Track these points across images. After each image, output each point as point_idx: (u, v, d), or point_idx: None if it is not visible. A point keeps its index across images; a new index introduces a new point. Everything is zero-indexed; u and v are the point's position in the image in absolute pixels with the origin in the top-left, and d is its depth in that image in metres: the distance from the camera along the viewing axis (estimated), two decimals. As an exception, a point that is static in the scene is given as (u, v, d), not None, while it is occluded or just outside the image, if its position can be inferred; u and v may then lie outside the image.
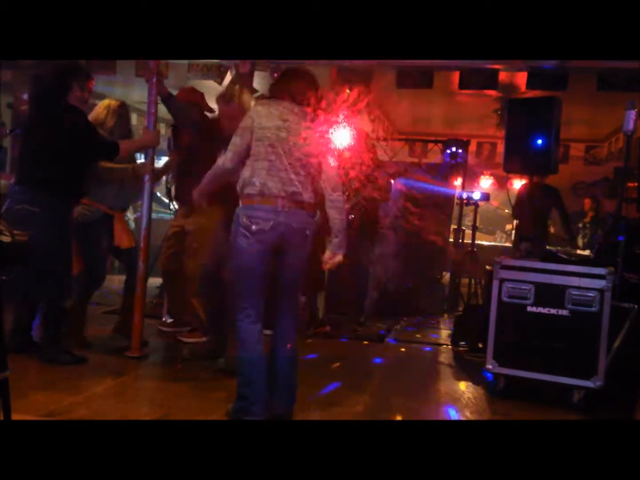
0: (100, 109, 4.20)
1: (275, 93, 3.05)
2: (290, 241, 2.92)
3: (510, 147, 4.52)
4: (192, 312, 4.62)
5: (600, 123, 9.27)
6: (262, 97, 3.52)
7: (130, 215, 4.64)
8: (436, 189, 7.40)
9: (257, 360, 2.90)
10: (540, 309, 3.70)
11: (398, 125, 10.96)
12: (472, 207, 7.37)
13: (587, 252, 7.01)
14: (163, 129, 6.76)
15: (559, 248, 6.02)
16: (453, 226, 7.82)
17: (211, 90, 5.24)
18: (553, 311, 3.67)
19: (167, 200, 5.38)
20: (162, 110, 4.22)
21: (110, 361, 4.02)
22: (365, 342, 5.24)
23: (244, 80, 6.23)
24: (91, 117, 4.04)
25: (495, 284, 3.82)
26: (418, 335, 5.72)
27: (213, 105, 4.29)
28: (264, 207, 2.86)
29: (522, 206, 6.09)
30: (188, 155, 4.62)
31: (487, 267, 4.81)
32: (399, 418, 3.27)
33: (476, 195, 7.27)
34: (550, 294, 3.68)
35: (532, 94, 5.89)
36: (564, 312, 3.64)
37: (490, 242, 10.91)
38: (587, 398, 3.58)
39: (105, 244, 4.20)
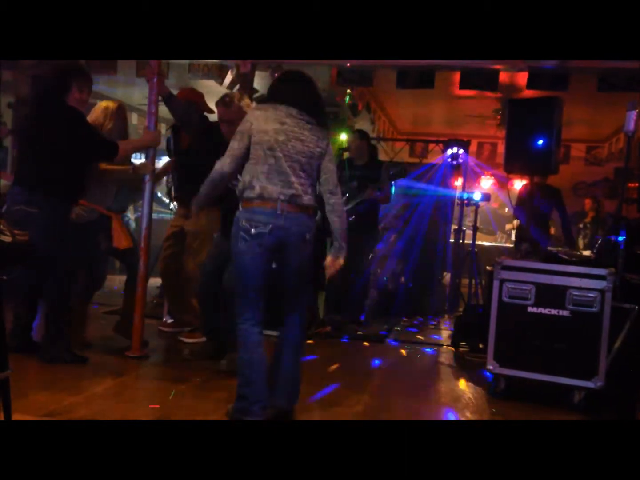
0: (98, 111, 4.20)
1: (272, 97, 3.05)
2: (290, 245, 2.93)
3: (511, 147, 4.52)
4: (193, 312, 4.63)
5: (600, 123, 9.28)
6: (260, 98, 3.53)
7: (130, 215, 4.64)
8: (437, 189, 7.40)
9: (258, 361, 2.91)
10: (541, 310, 3.70)
11: (399, 125, 10.97)
12: (472, 208, 7.36)
13: (587, 253, 7.02)
14: (164, 129, 6.76)
15: (559, 249, 6.02)
16: (454, 226, 7.82)
17: (211, 90, 5.24)
18: (554, 312, 3.66)
19: (167, 200, 5.39)
20: (163, 110, 4.22)
21: (111, 361, 4.02)
22: (366, 343, 5.24)
23: (244, 80, 6.26)
24: (89, 119, 4.04)
25: (496, 284, 3.81)
26: (418, 336, 5.72)
27: (212, 106, 4.29)
28: (263, 211, 2.86)
29: (523, 206, 6.09)
30: (189, 156, 4.63)
31: (488, 267, 4.81)
32: (399, 418, 3.27)
33: (476, 195, 7.27)
34: (551, 295, 3.67)
35: (532, 94, 5.89)
36: (565, 313, 3.64)
37: (491, 242, 10.91)
38: (588, 399, 3.58)
39: (104, 244, 4.20)
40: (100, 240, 4.18)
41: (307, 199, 2.94)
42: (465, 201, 7.35)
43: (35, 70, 5.62)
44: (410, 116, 10.50)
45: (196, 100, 4.54)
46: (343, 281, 5.57)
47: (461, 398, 3.78)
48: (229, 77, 6.58)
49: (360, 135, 5.97)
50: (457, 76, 6.23)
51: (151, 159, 4.14)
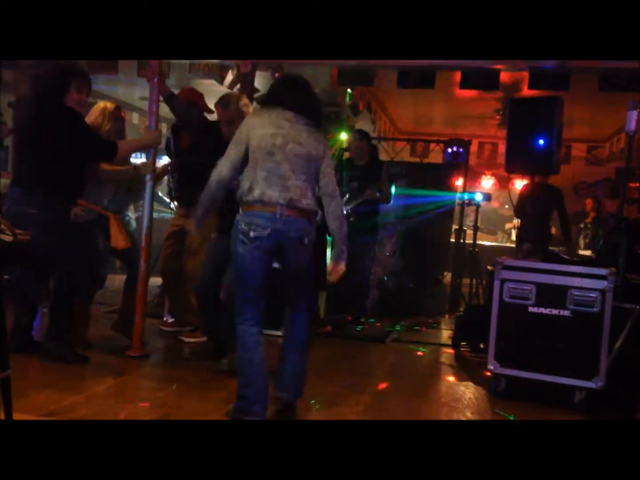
0: (96, 112, 4.20)
1: (269, 101, 3.06)
2: (288, 248, 2.94)
3: (512, 147, 4.51)
4: (193, 311, 4.63)
5: (601, 123, 9.28)
6: (261, 98, 3.53)
7: (131, 214, 4.64)
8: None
9: (257, 361, 2.92)
10: (542, 310, 3.69)
11: (400, 125, 10.97)
12: (473, 207, 7.36)
13: (588, 253, 7.02)
14: (164, 129, 6.77)
15: (560, 248, 6.03)
16: (454, 226, 7.82)
17: (212, 90, 5.24)
18: (554, 312, 3.66)
19: (168, 200, 5.39)
20: (164, 110, 4.22)
21: (111, 361, 4.02)
22: (366, 342, 5.24)
23: (245, 80, 6.26)
24: (88, 120, 4.04)
25: (497, 284, 3.81)
26: (419, 336, 5.71)
27: (212, 106, 4.29)
28: (262, 214, 2.87)
29: (524, 206, 6.08)
30: (189, 156, 4.63)
31: (489, 267, 4.81)
32: (399, 418, 3.27)
33: (478, 196, 7.27)
34: (551, 295, 3.67)
35: (533, 93, 5.88)
36: (566, 313, 3.64)
37: (492, 242, 10.91)
38: (589, 398, 3.58)
39: (103, 244, 4.20)
40: (100, 240, 4.19)
41: (307, 202, 2.94)
42: (466, 201, 7.35)
43: (36, 70, 5.62)
44: (411, 116, 10.50)
45: (196, 100, 4.54)
46: (344, 281, 5.56)
47: (462, 398, 3.78)
48: (229, 77, 6.58)
49: (360, 136, 5.96)
50: (458, 76, 6.23)
51: (152, 159, 4.15)
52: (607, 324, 3.54)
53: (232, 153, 2.96)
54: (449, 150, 7.41)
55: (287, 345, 3.14)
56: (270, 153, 2.89)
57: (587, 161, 10.37)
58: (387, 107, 9.69)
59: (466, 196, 7.37)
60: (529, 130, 4.36)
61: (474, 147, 9.15)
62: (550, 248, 5.93)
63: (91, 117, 4.15)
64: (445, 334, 5.84)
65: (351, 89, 7.75)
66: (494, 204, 10.61)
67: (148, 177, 4.11)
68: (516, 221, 7.27)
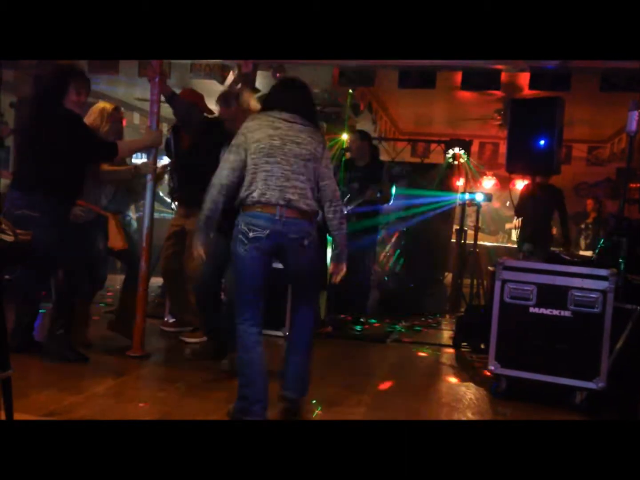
0: (95, 113, 4.20)
1: (265, 104, 3.08)
2: (288, 250, 2.94)
3: (513, 147, 4.51)
4: (194, 312, 4.63)
5: (602, 124, 9.26)
6: (262, 98, 3.53)
7: (132, 214, 4.64)
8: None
9: (258, 361, 2.92)
10: (543, 310, 3.69)
11: (400, 125, 10.96)
12: (474, 208, 7.36)
13: (589, 253, 7.01)
14: (165, 129, 6.77)
15: (560, 249, 6.02)
16: (455, 226, 7.82)
17: (213, 90, 5.24)
18: (555, 312, 3.66)
19: (169, 200, 5.40)
20: (165, 110, 4.22)
21: (112, 361, 4.03)
22: (367, 343, 5.23)
23: (246, 80, 6.25)
24: (86, 121, 4.04)
25: (498, 284, 3.81)
26: (420, 336, 5.71)
27: (212, 106, 4.30)
28: (262, 215, 2.87)
29: (524, 206, 6.08)
30: (189, 156, 4.63)
31: (490, 267, 4.81)
32: (400, 418, 3.26)
33: (478, 196, 7.26)
34: (552, 295, 3.67)
35: (534, 94, 5.88)
36: (567, 313, 3.63)
37: (493, 242, 10.91)
38: (590, 399, 3.58)
39: (102, 245, 4.21)
40: (99, 240, 4.19)
41: (307, 202, 2.93)
42: (467, 201, 7.35)
43: (37, 70, 5.62)
44: (412, 116, 10.49)
45: (196, 101, 4.54)
46: (344, 281, 5.56)
47: (462, 398, 3.77)
48: (230, 77, 6.57)
49: (361, 136, 5.96)
50: (458, 76, 6.22)
51: (153, 159, 4.15)
52: (608, 324, 3.54)
53: (231, 157, 2.96)
54: (450, 150, 7.41)
55: (291, 346, 3.16)
56: (268, 154, 2.89)
57: (588, 161, 10.36)
58: (388, 107, 9.69)
59: (467, 196, 7.37)
60: (530, 131, 4.36)
61: (474, 148, 9.15)
62: (552, 249, 5.92)
63: (90, 118, 4.15)
64: (446, 335, 5.84)
65: (352, 90, 7.75)
66: (495, 204, 10.59)
67: (149, 177, 4.11)
68: (516, 221, 7.27)
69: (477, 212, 7.31)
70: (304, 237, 2.94)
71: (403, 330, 5.91)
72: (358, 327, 5.72)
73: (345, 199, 5.53)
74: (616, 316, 3.56)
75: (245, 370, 2.91)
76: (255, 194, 2.88)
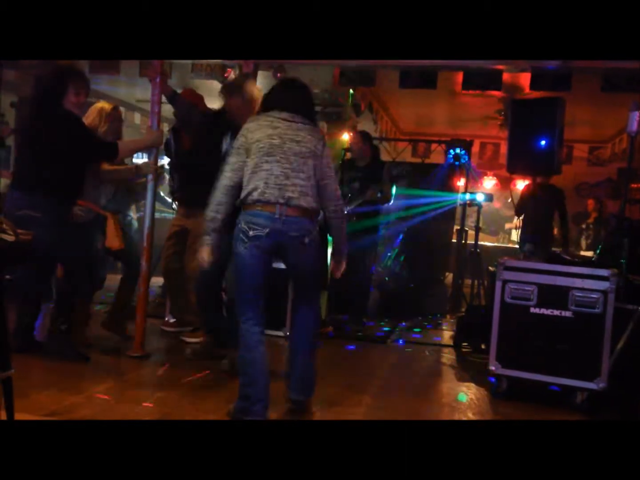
0: (94, 113, 4.21)
1: (264, 105, 3.09)
2: (288, 248, 2.95)
3: (514, 147, 4.51)
4: (194, 311, 4.62)
5: (603, 124, 9.27)
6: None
7: (133, 214, 4.65)
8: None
9: (259, 361, 2.92)
10: (544, 311, 3.69)
11: (401, 125, 10.97)
12: (475, 208, 7.36)
13: (590, 253, 7.00)
14: (166, 129, 6.76)
15: (559, 249, 6.02)
16: (456, 227, 7.81)
17: (214, 90, 5.23)
18: (556, 312, 3.66)
19: (170, 200, 5.40)
20: (166, 110, 4.22)
21: (112, 361, 4.03)
22: (367, 343, 5.23)
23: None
24: (85, 121, 4.04)
25: (498, 285, 3.81)
26: (420, 336, 5.71)
27: (213, 107, 4.29)
28: (262, 214, 2.89)
29: (525, 206, 6.07)
30: (190, 157, 4.64)
31: (490, 268, 4.80)
32: (400, 419, 3.26)
33: (479, 197, 7.26)
34: (553, 296, 3.67)
35: (535, 94, 5.88)
36: (567, 314, 3.63)
37: (494, 242, 10.91)
38: (590, 400, 3.57)
39: (101, 244, 4.21)
40: (98, 240, 4.19)
41: (307, 200, 2.94)
42: (468, 202, 7.34)
43: (38, 70, 5.63)
44: (413, 116, 10.50)
45: (196, 102, 4.54)
46: (344, 282, 5.56)
47: (463, 399, 3.77)
48: (231, 77, 6.57)
49: (362, 137, 5.95)
50: (459, 76, 6.22)
51: (154, 159, 4.15)
52: (609, 325, 3.54)
53: (233, 159, 2.98)
54: (451, 150, 7.41)
55: (294, 347, 3.17)
56: (268, 153, 2.90)
57: (589, 162, 10.37)
58: (388, 107, 9.69)
59: (468, 197, 7.36)
60: (531, 131, 4.36)
61: (475, 148, 9.15)
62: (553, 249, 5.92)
63: (88, 118, 4.16)
64: (447, 335, 5.83)
65: (353, 90, 7.75)
66: (496, 204, 10.60)
67: (150, 177, 4.11)
68: (516, 221, 7.26)
69: (478, 212, 7.31)
70: (304, 235, 2.94)
71: (404, 330, 5.90)
72: (359, 328, 5.70)
73: (346, 199, 5.53)
74: (617, 316, 3.56)
75: (247, 369, 2.92)
76: (255, 193, 2.89)
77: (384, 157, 7.05)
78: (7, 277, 3.68)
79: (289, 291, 4.70)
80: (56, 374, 3.61)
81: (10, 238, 2.42)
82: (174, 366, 4.06)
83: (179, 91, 4.43)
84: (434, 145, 9.01)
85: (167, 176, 5.05)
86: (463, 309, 6.59)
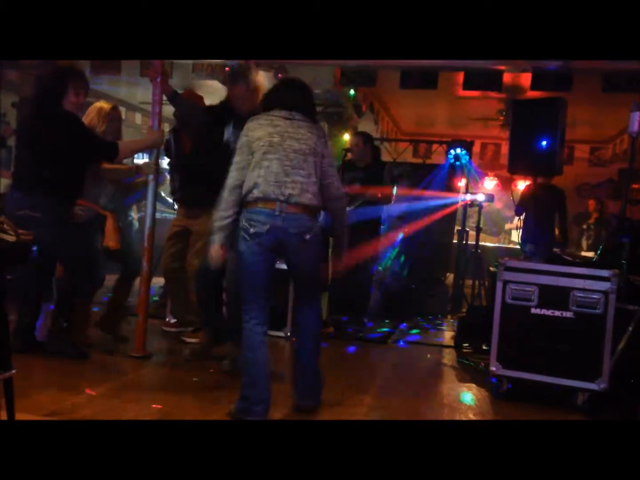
0: (93, 113, 4.21)
1: (265, 105, 3.11)
2: (289, 245, 2.95)
3: (515, 148, 4.50)
4: (195, 312, 4.62)
5: (604, 124, 9.27)
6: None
7: (134, 214, 4.65)
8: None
9: (262, 361, 2.93)
10: (545, 311, 3.69)
11: (402, 126, 10.97)
12: (476, 208, 7.36)
13: (591, 254, 6.99)
14: (167, 129, 6.76)
15: (557, 249, 6.01)
16: (457, 227, 7.81)
17: (215, 90, 5.24)
18: (557, 313, 3.65)
19: (170, 200, 5.40)
20: (166, 110, 4.22)
21: (113, 361, 4.03)
22: (368, 343, 5.23)
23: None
24: (85, 120, 4.05)
25: (499, 285, 3.81)
26: (421, 337, 5.71)
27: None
28: (262, 211, 2.90)
29: (525, 206, 6.07)
30: (190, 157, 4.64)
31: (491, 268, 4.80)
32: (401, 418, 3.26)
33: (480, 197, 7.25)
34: (554, 296, 3.66)
35: (536, 95, 5.88)
36: (568, 314, 3.63)
37: (495, 243, 10.90)
38: (591, 400, 3.57)
39: (100, 244, 4.22)
40: (98, 240, 4.20)
41: (308, 197, 2.95)
42: (469, 202, 7.34)
43: (38, 70, 5.64)
44: (414, 117, 10.50)
45: (196, 102, 4.54)
46: (346, 282, 5.57)
47: (464, 399, 3.77)
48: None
49: (363, 139, 5.94)
50: (460, 77, 6.22)
51: (155, 159, 4.15)
52: (610, 325, 3.53)
53: (237, 159, 3.01)
54: (452, 151, 7.41)
55: (298, 351, 3.19)
56: (268, 151, 2.93)
57: (590, 162, 10.37)
58: (389, 107, 9.70)
59: (468, 197, 7.36)
60: (532, 132, 4.35)
61: (476, 148, 9.15)
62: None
63: (88, 118, 4.16)
64: (448, 335, 5.83)
65: (354, 90, 7.75)
66: (497, 205, 10.60)
67: (151, 177, 4.11)
68: (517, 222, 7.25)
69: (479, 212, 7.30)
70: (305, 231, 2.95)
71: (404, 330, 5.90)
72: (359, 328, 5.70)
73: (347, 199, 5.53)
74: (618, 317, 3.55)
75: (248, 369, 2.92)
76: (255, 191, 2.91)
77: (385, 157, 7.05)
78: (8, 277, 3.68)
79: (290, 291, 4.70)
80: (57, 373, 3.62)
81: (11, 238, 2.42)
82: (174, 366, 4.06)
83: (180, 92, 4.43)
84: (435, 146, 9.01)
85: (167, 176, 5.05)
86: (464, 310, 6.59)
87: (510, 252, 8.73)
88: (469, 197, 7.38)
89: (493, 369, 3.78)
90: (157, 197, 4.31)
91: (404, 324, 6.16)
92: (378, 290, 6.69)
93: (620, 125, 8.50)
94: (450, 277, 7.79)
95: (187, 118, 4.31)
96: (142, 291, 4.08)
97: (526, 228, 6.07)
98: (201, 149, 4.35)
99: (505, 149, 8.56)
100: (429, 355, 4.97)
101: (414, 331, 5.93)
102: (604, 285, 3.57)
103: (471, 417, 3.44)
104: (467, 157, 7.47)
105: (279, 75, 5.93)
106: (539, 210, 5.80)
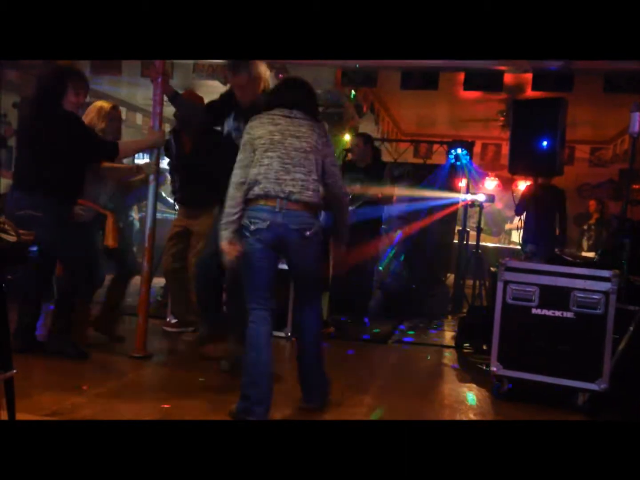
0: (92, 112, 4.21)
1: (268, 103, 3.12)
2: (289, 242, 2.96)
3: (516, 148, 4.51)
4: (196, 312, 4.62)
5: (605, 125, 9.27)
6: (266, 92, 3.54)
7: (135, 215, 4.65)
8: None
9: (264, 362, 2.93)
10: (545, 311, 3.68)
11: (403, 126, 10.97)
12: (476, 208, 7.36)
13: (592, 254, 6.99)
14: (168, 129, 6.77)
15: (566, 250, 6.01)
16: (458, 227, 7.81)
17: (216, 91, 5.24)
18: (558, 313, 3.65)
19: (171, 201, 5.40)
20: (167, 111, 4.22)
21: (114, 361, 4.03)
22: (369, 343, 5.23)
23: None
24: (84, 119, 4.05)
25: (500, 285, 3.81)
26: (422, 337, 5.70)
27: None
28: (263, 208, 2.93)
29: (526, 206, 6.07)
30: (190, 157, 4.64)
31: (492, 268, 4.80)
32: (401, 419, 3.26)
33: (481, 197, 7.25)
34: (555, 296, 3.66)
35: (537, 95, 5.87)
36: (569, 315, 3.63)
37: (495, 243, 10.90)
38: (592, 401, 3.57)
39: (101, 243, 4.22)
40: (98, 239, 4.20)
41: (308, 195, 2.96)
42: (470, 202, 7.34)
43: (39, 70, 5.64)
44: (414, 117, 10.50)
45: (196, 102, 4.54)
46: (347, 282, 5.57)
47: (465, 400, 3.77)
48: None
49: (364, 140, 5.95)
50: (461, 77, 6.22)
51: (156, 159, 4.15)
52: (611, 326, 3.53)
53: (241, 157, 3.03)
54: (452, 151, 7.41)
55: (301, 353, 3.19)
56: (269, 149, 2.95)
57: (591, 163, 10.37)
58: (390, 108, 9.69)
59: (469, 197, 7.36)
60: (533, 132, 4.36)
61: (477, 149, 9.15)
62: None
63: (87, 117, 4.16)
64: (448, 335, 5.83)
65: (355, 90, 7.75)
66: (498, 205, 10.60)
67: (152, 177, 4.11)
68: (517, 222, 7.26)
69: (480, 213, 7.30)
70: (306, 228, 2.96)
71: (405, 331, 5.90)
72: (360, 328, 5.70)
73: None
74: (619, 317, 3.55)
75: (250, 369, 2.92)
76: (256, 188, 2.93)
77: (386, 157, 7.06)
78: (9, 277, 3.69)
79: (291, 291, 4.70)
80: (58, 374, 3.62)
81: (12, 238, 2.43)
82: (175, 367, 4.06)
83: (181, 92, 4.44)
84: (435, 146, 9.01)
85: (168, 177, 5.06)
86: (464, 310, 6.59)
87: (511, 253, 8.73)
88: (469, 197, 7.38)
89: (494, 369, 3.78)
90: (158, 197, 4.31)
91: (405, 324, 6.16)
92: (379, 291, 6.69)
93: (621, 126, 8.50)
94: (450, 277, 7.79)
95: (187, 118, 4.31)
96: (143, 291, 4.08)
97: (527, 228, 6.08)
98: (201, 149, 4.36)
99: (506, 149, 8.55)
100: (429, 356, 4.97)
101: (415, 331, 5.93)
102: (604, 286, 3.57)
103: (472, 417, 3.44)
104: (468, 158, 7.47)
105: (280, 75, 5.93)
106: (539, 211, 5.81)
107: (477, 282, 6.83)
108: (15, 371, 2.36)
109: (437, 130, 10.78)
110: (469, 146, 7.49)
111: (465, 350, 5.11)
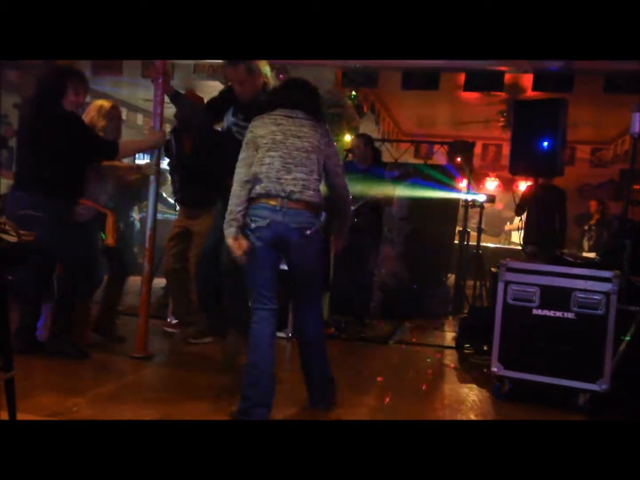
0: (92, 111, 4.21)
1: (268, 105, 3.13)
2: (289, 241, 2.96)
3: (516, 149, 4.50)
4: (196, 312, 4.62)
5: (606, 125, 9.26)
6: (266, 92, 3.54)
7: (135, 215, 4.65)
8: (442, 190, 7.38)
9: (266, 363, 2.93)
10: (546, 312, 3.68)
11: (403, 126, 10.96)
12: (477, 209, 7.36)
13: (592, 255, 6.99)
14: (168, 130, 6.77)
15: (565, 250, 6.00)
16: (458, 228, 7.81)
17: (216, 91, 5.23)
18: (559, 314, 3.65)
19: (172, 201, 5.41)
20: (168, 111, 4.22)
21: (114, 361, 4.03)
22: (370, 344, 5.23)
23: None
24: (85, 118, 4.05)
25: (501, 286, 3.80)
26: (422, 337, 5.70)
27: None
28: (264, 207, 2.94)
29: (526, 207, 6.07)
30: (190, 158, 4.64)
31: (493, 269, 4.80)
32: (402, 419, 3.26)
33: (481, 198, 7.25)
34: (555, 297, 3.66)
35: (538, 95, 5.87)
36: (570, 315, 3.62)
37: (496, 244, 10.90)
38: (593, 401, 3.56)
39: (101, 243, 4.22)
40: (97, 239, 4.20)
41: (309, 194, 2.97)
42: (470, 202, 7.34)
43: (39, 70, 5.65)
44: (415, 117, 10.50)
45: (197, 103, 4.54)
46: (347, 282, 5.57)
47: (465, 400, 3.77)
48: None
49: (364, 140, 5.95)
50: (461, 78, 6.22)
51: (156, 159, 4.15)
52: (612, 326, 3.53)
53: (243, 155, 3.04)
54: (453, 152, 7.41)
55: (304, 355, 3.18)
56: (270, 149, 2.96)
57: (592, 163, 10.37)
58: (390, 108, 9.69)
59: (470, 197, 7.36)
60: (534, 132, 4.35)
61: (478, 149, 9.15)
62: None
63: (87, 116, 4.16)
64: (449, 336, 5.82)
65: (355, 91, 7.75)
66: (498, 205, 10.60)
67: (152, 177, 4.11)
68: (517, 222, 7.26)
69: (480, 213, 7.30)
70: (306, 227, 2.97)
71: (406, 331, 5.89)
72: (361, 328, 5.70)
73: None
74: (619, 318, 3.55)
75: (252, 370, 2.92)
76: (258, 187, 2.95)
77: (386, 158, 7.05)
78: (10, 277, 3.69)
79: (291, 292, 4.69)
80: (58, 374, 3.62)
81: (12, 239, 2.43)
82: (176, 367, 4.06)
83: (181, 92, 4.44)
84: (436, 147, 9.00)
85: (168, 177, 5.06)
86: (465, 310, 6.58)
87: (511, 253, 8.72)
88: (470, 197, 7.37)
89: (494, 369, 3.78)
90: (158, 197, 4.31)
91: (405, 325, 6.16)
92: (379, 291, 6.69)
93: (622, 126, 8.50)
94: (451, 277, 7.78)
95: (188, 118, 4.31)
96: (144, 291, 4.08)
97: (527, 229, 6.08)
98: (201, 150, 4.35)
99: (506, 149, 8.56)
100: (429, 357, 4.96)
101: (416, 331, 5.92)
102: (605, 286, 3.56)
103: (472, 417, 3.44)
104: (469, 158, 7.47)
105: (280, 75, 5.93)
106: (540, 211, 5.81)
107: (478, 283, 6.82)
108: (15, 371, 2.36)
109: (438, 130, 10.78)
110: (469, 147, 7.49)
111: (466, 351, 5.11)
